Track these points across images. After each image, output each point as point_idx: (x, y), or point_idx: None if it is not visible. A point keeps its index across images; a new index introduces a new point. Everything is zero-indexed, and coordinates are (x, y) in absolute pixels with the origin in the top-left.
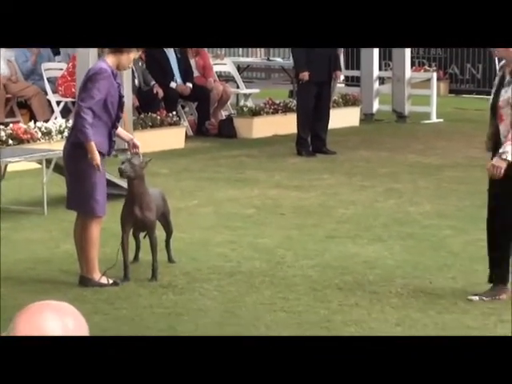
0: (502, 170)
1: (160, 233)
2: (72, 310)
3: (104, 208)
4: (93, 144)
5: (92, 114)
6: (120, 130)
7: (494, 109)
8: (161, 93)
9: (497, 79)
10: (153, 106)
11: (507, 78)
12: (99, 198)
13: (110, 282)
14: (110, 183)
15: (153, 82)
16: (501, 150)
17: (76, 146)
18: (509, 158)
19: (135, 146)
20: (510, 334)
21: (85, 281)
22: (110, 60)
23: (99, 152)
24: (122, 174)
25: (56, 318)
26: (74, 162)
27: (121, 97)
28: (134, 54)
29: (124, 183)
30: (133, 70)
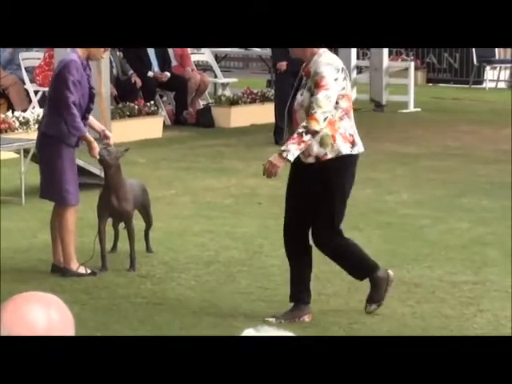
0: (279, 170)
1: (138, 223)
2: (57, 302)
3: (76, 196)
4: (88, 135)
5: (76, 107)
6: (92, 121)
7: (290, 113)
8: (139, 82)
9: (296, 81)
10: (131, 95)
11: (303, 79)
12: (69, 187)
13: (88, 271)
14: (86, 172)
15: (130, 72)
16: (283, 148)
17: (46, 135)
18: (289, 158)
19: (106, 137)
20: (487, 324)
21: (61, 270)
22: (80, 51)
23: (69, 144)
24: (101, 161)
25: (41, 309)
26: (44, 152)
27: (90, 88)
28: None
29: (99, 172)
30: (111, 59)
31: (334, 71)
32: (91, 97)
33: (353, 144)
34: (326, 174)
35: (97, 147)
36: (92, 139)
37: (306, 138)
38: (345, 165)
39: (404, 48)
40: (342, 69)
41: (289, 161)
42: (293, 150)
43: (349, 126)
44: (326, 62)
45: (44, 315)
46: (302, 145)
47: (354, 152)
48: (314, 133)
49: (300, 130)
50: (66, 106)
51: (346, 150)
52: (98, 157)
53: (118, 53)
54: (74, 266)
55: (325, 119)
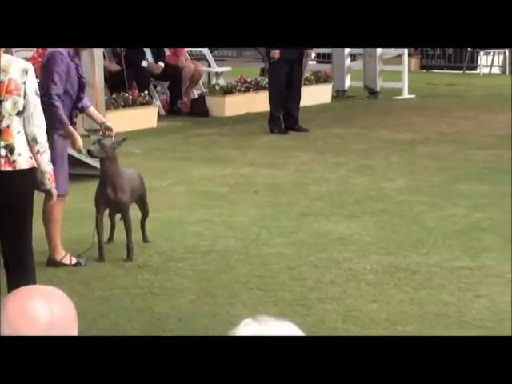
0: None
1: (135, 213)
2: (59, 295)
3: (64, 187)
4: (70, 127)
5: (59, 100)
6: (93, 111)
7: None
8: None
9: None
10: (119, 85)
11: None
12: (57, 177)
13: (73, 262)
14: (82, 163)
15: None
16: None
17: None
18: None
19: (108, 129)
20: (485, 310)
21: (49, 261)
22: None
23: (61, 135)
24: (90, 154)
25: (44, 303)
26: None
27: (80, 77)
28: None
29: (96, 163)
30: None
31: None
32: (81, 86)
33: None
34: None
35: (79, 140)
36: (74, 131)
37: None
38: None
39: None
40: None
41: None
42: None
43: None
44: None
45: (46, 309)
46: None
47: None
48: None
49: None
50: (48, 97)
51: None
52: (81, 150)
53: None
54: (59, 256)
55: None
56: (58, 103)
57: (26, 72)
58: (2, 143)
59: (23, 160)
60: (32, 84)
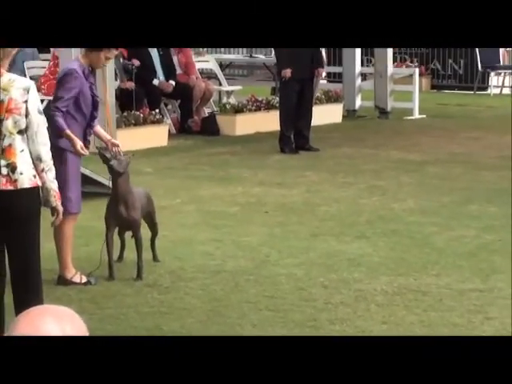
0: None
1: (144, 231)
2: (71, 315)
3: (77, 205)
4: (68, 131)
5: (61, 112)
6: (99, 130)
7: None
8: (130, 86)
9: None
10: (131, 103)
11: None
12: (71, 195)
13: (84, 280)
14: (92, 181)
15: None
16: None
17: (52, 145)
18: None
19: (115, 145)
20: (495, 332)
21: (59, 279)
22: (82, 59)
23: (72, 152)
24: (111, 170)
25: (55, 323)
26: None
27: (93, 96)
28: (105, 53)
29: (107, 181)
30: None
31: None
32: (95, 105)
33: None
34: None
35: (78, 143)
36: (74, 137)
37: None
38: None
39: (408, 47)
40: None
41: None
42: None
43: None
44: None
45: (58, 329)
46: None
47: None
48: None
49: None
50: (52, 109)
51: None
52: (82, 152)
53: (121, 60)
54: (69, 274)
55: None
56: (57, 113)
57: (27, 91)
58: (4, 162)
59: (25, 179)
60: (34, 102)
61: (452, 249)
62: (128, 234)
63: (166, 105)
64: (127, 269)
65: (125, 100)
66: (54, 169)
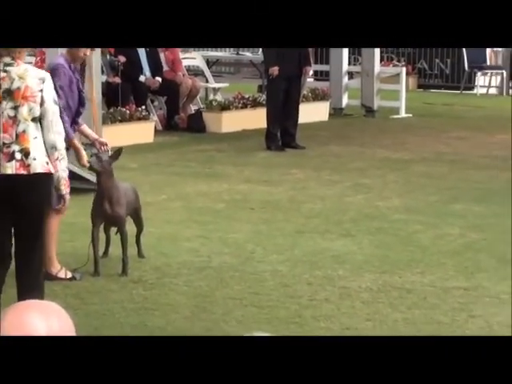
0: None
1: (130, 227)
2: (58, 310)
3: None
4: (75, 141)
5: (64, 112)
6: (85, 129)
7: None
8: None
9: None
10: (116, 99)
11: None
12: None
13: (69, 276)
14: (79, 177)
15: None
16: None
17: None
18: None
19: (103, 144)
20: (479, 330)
21: (44, 274)
22: (67, 55)
23: None
24: (89, 168)
25: (41, 318)
26: None
27: (80, 92)
28: (84, 50)
29: (92, 177)
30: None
31: None
32: (81, 100)
33: None
34: None
35: (84, 155)
36: (80, 146)
37: None
38: None
39: (396, 48)
40: None
41: None
42: None
43: None
44: None
45: (44, 324)
46: None
47: None
48: None
49: None
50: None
51: None
52: (87, 165)
53: (108, 56)
54: (55, 269)
55: None
56: (66, 118)
57: (43, 81)
58: (18, 147)
59: (38, 164)
60: (50, 92)
61: (437, 247)
62: (113, 230)
63: (152, 101)
64: (112, 264)
65: (111, 96)
66: (66, 158)
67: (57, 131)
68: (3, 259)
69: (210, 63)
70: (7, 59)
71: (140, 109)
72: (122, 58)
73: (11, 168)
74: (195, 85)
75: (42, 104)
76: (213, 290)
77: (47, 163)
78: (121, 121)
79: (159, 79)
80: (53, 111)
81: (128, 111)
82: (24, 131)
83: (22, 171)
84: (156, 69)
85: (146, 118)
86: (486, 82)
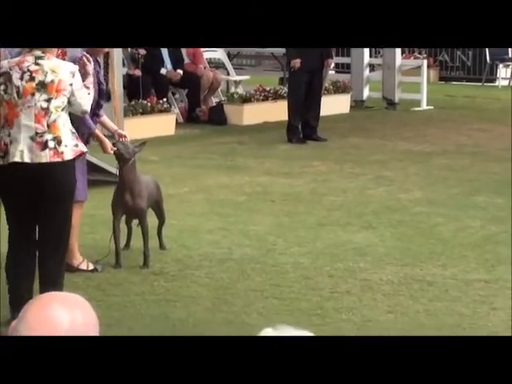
0: None
1: (151, 219)
2: (81, 302)
3: (83, 193)
4: (97, 131)
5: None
6: (105, 120)
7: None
8: (138, 73)
9: None
10: (138, 92)
11: None
12: (77, 183)
13: (90, 267)
14: (99, 169)
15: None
16: None
17: None
18: None
19: (122, 136)
20: (500, 322)
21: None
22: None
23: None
24: (116, 152)
25: (65, 310)
26: None
27: (100, 84)
28: None
29: (114, 169)
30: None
31: None
32: (101, 93)
33: (4, 154)
34: None
35: (108, 143)
36: (102, 136)
37: None
38: None
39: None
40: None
41: None
42: None
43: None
44: None
45: (68, 316)
46: None
47: (3, 162)
48: None
49: None
50: None
51: None
52: (111, 152)
53: (128, 49)
54: (76, 261)
55: None
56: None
57: (73, 74)
58: (50, 136)
59: (69, 150)
60: (78, 83)
61: (458, 239)
62: (135, 222)
63: (173, 94)
64: (134, 257)
65: (132, 89)
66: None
67: (82, 103)
68: (29, 249)
69: (231, 56)
70: (38, 52)
71: (161, 101)
72: (142, 51)
73: (46, 157)
74: (216, 77)
75: (71, 96)
76: (234, 281)
77: (76, 145)
78: (142, 113)
79: (180, 72)
80: (81, 97)
81: (149, 104)
82: (55, 121)
83: (57, 159)
84: (177, 61)
85: (167, 111)
86: (507, 75)
